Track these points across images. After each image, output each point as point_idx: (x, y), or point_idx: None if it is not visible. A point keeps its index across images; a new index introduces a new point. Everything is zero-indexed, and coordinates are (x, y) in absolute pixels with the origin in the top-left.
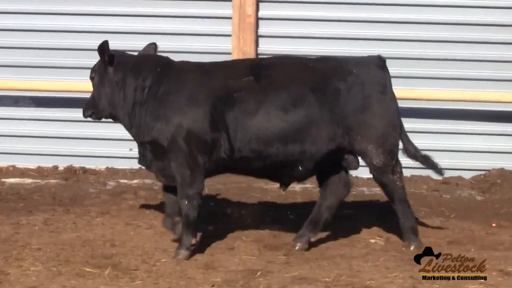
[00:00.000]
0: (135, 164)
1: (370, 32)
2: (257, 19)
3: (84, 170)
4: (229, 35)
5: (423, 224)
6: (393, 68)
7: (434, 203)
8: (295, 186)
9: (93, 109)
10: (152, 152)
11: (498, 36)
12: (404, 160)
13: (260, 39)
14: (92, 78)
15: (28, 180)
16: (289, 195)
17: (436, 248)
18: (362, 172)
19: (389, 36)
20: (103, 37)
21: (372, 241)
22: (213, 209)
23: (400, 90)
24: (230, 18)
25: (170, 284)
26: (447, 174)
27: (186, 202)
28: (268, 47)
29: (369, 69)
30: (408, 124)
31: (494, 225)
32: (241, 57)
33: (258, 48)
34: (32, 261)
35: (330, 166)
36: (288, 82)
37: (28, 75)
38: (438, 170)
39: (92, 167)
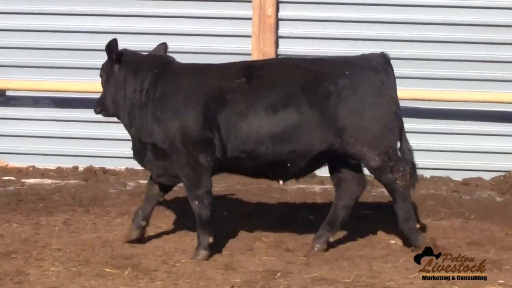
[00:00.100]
0: None
1: (392, 33)
2: (277, 20)
3: (104, 171)
4: (249, 36)
5: (443, 226)
6: (411, 68)
7: (454, 204)
8: (315, 187)
9: (102, 106)
10: (153, 153)
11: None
12: (424, 160)
13: (280, 40)
14: (101, 76)
15: (48, 181)
16: (308, 196)
17: (455, 249)
18: None
19: (411, 37)
20: (124, 38)
21: (392, 242)
22: (232, 209)
23: (416, 91)
24: (250, 19)
25: (190, 285)
26: (467, 175)
27: (196, 203)
28: (288, 48)
29: (363, 71)
30: (428, 125)
31: None
32: (261, 58)
33: (278, 49)
34: (52, 262)
35: (342, 164)
36: (278, 83)
37: (48, 76)
38: (412, 183)
39: (112, 167)
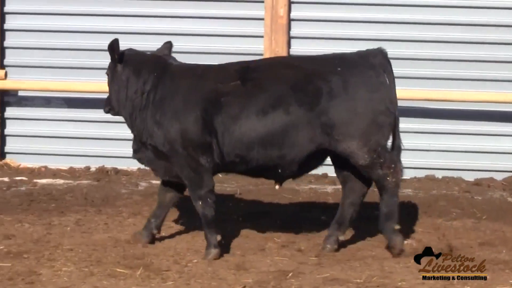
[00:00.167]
0: None
1: (404, 34)
2: (289, 20)
3: (116, 171)
4: (261, 36)
5: (454, 226)
6: (425, 69)
7: (466, 204)
8: (327, 188)
9: (110, 105)
10: (154, 154)
11: None
12: (436, 161)
13: (292, 40)
14: (107, 75)
15: (60, 181)
16: (321, 196)
17: (467, 250)
18: None
19: (425, 37)
20: (138, 39)
21: (405, 242)
22: (244, 210)
23: (431, 91)
24: (262, 19)
25: (201, 285)
26: (479, 175)
27: (200, 203)
28: (300, 48)
29: (356, 67)
30: (440, 125)
31: None
32: None
33: (290, 50)
34: (64, 262)
35: (347, 162)
36: (269, 85)
37: (60, 76)
38: None
39: (124, 167)
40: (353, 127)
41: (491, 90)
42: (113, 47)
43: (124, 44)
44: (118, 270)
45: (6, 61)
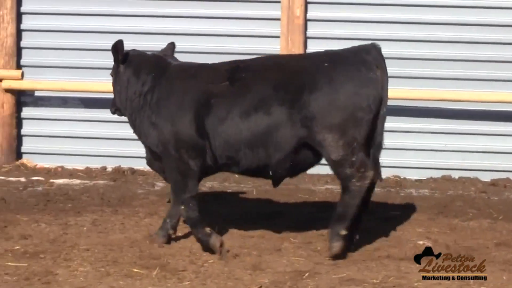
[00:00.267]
0: None
1: (421, 34)
2: (306, 20)
3: (133, 171)
4: (278, 37)
5: (471, 226)
6: (441, 69)
7: (482, 204)
8: None
9: (115, 106)
10: (151, 155)
11: None
12: (452, 161)
13: (309, 41)
14: (111, 76)
15: (77, 181)
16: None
17: (484, 250)
18: (410, 173)
19: (441, 37)
20: (153, 39)
21: (420, 242)
22: (260, 210)
23: (448, 91)
24: (278, 19)
25: (218, 285)
26: (496, 176)
27: (183, 207)
28: (317, 49)
29: (344, 62)
30: (456, 126)
31: None
32: None
33: (306, 50)
34: (80, 262)
35: None
36: (254, 86)
37: (77, 76)
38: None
39: (141, 168)
40: (331, 119)
41: (508, 90)
42: (117, 48)
43: (141, 44)
44: (135, 270)
45: (23, 61)
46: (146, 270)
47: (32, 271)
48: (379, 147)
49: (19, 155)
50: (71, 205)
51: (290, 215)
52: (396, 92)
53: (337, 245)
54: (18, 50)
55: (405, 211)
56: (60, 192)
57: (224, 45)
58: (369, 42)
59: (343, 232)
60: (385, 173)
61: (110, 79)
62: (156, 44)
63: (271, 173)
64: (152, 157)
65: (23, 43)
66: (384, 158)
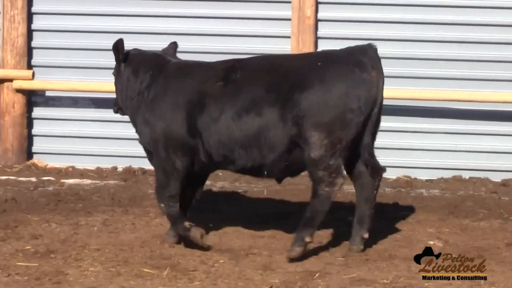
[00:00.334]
0: None
1: (434, 34)
2: (316, 20)
3: (143, 171)
4: (288, 37)
5: (481, 226)
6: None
7: (493, 205)
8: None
9: (117, 105)
10: (146, 152)
11: None
12: (463, 161)
13: (319, 41)
14: (113, 75)
15: (87, 181)
16: (347, 197)
17: (494, 250)
18: (421, 174)
19: (455, 38)
20: (163, 39)
21: (431, 242)
22: (271, 210)
23: (459, 91)
24: (289, 19)
25: (228, 285)
26: (506, 176)
27: (162, 205)
28: (327, 49)
29: (337, 63)
30: (467, 126)
31: None
32: None
33: (317, 50)
34: (91, 262)
35: (353, 159)
36: (247, 86)
37: (87, 76)
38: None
39: (151, 168)
40: (320, 117)
41: None
42: (118, 47)
43: (151, 44)
44: (145, 270)
45: (34, 61)
46: (157, 270)
47: (43, 271)
48: (368, 147)
49: (30, 155)
50: (82, 205)
51: (300, 215)
52: (407, 92)
53: (297, 250)
54: (29, 50)
55: (415, 211)
56: (70, 192)
57: (235, 46)
58: (380, 42)
59: (308, 239)
60: (395, 173)
61: None
62: (166, 45)
63: (265, 173)
64: (148, 155)
65: (34, 43)
66: (395, 158)
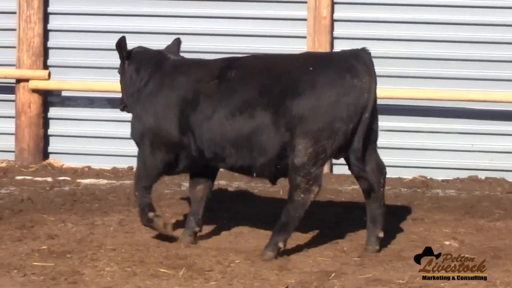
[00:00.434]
0: None
1: (448, 34)
2: (332, 21)
3: None
4: (304, 37)
5: (497, 227)
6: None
7: (509, 205)
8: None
9: (123, 103)
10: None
11: None
12: (479, 162)
13: (335, 41)
14: (119, 73)
15: (103, 181)
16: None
17: (510, 250)
18: (437, 174)
19: (471, 38)
20: (183, 39)
21: (447, 243)
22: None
23: (475, 92)
24: (305, 20)
25: (244, 285)
26: None
27: (136, 193)
28: (343, 49)
29: (330, 67)
30: (483, 126)
31: None
32: None
33: (333, 50)
34: (107, 262)
35: (358, 162)
36: (240, 87)
37: (103, 76)
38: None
39: None
40: (308, 125)
41: None
42: (121, 45)
43: (165, 45)
44: (161, 270)
45: (50, 62)
46: (173, 270)
47: (59, 271)
48: (356, 152)
49: (46, 155)
50: (98, 205)
51: (316, 215)
52: (422, 93)
53: (270, 255)
54: (45, 50)
55: (431, 211)
56: (86, 192)
57: (251, 46)
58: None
59: (281, 244)
60: (411, 174)
61: None
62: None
63: (254, 175)
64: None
65: (50, 43)
66: (411, 158)
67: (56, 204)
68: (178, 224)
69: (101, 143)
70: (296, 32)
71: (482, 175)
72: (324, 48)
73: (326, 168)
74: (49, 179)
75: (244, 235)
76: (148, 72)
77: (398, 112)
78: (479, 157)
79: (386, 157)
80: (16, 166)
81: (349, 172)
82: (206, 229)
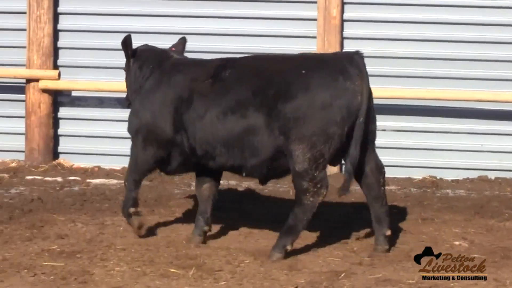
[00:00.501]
0: None
1: (457, 34)
2: (342, 21)
3: None
4: (314, 37)
5: (507, 227)
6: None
7: None
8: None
9: (129, 100)
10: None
11: None
12: (489, 162)
13: (345, 41)
14: (124, 71)
15: (113, 181)
16: None
17: None
18: (446, 174)
19: (481, 38)
20: (191, 39)
21: (457, 243)
22: None
23: (484, 92)
24: (315, 20)
25: (254, 285)
26: None
27: (126, 184)
28: (353, 49)
29: (323, 70)
30: (492, 126)
31: None
32: None
33: (342, 50)
34: (116, 262)
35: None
36: (234, 87)
37: (113, 76)
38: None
39: None
40: (303, 130)
41: None
42: (126, 43)
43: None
44: (171, 270)
45: (60, 62)
46: (183, 270)
47: (69, 270)
48: (351, 157)
49: (56, 155)
50: (108, 205)
51: (326, 215)
52: (431, 93)
53: (277, 256)
54: (55, 50)
55: (441, 211)
56: (96, 192)
57: (261, 46)
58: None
59: (289, 247)
60: (421, 174)
61: None
62: (191, 44)
63: (244, 174)
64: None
65: (60, 43)
66: (421, 158)
67: (66, 204)
68: (189, 224)
69: (111, 143)
70: (306, 32)
71: (491, 175)
72: (334, 48)
73: (335, 168)
74: (59, 179)
75: (254, 235)
76: (149, 69)
77: (407, 112)
78: (488, 157)
79: (396, 157)
80: (26, 166)
81: None
82: (216, 229)
